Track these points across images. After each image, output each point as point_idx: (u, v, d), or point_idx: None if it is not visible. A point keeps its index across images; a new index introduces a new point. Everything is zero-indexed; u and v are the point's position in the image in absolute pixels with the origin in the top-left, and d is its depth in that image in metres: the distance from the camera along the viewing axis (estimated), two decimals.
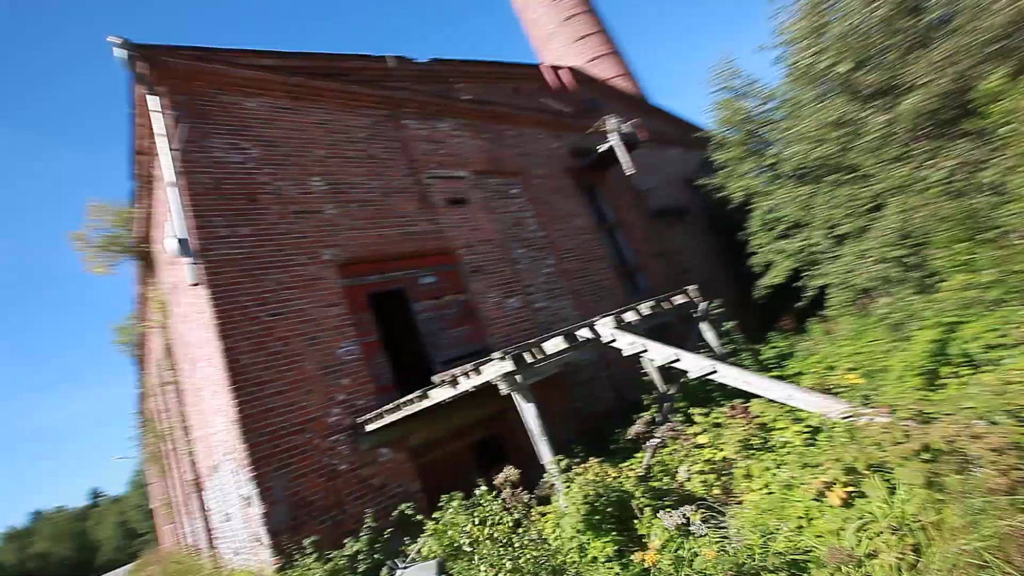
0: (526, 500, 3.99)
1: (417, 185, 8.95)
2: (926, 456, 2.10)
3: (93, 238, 10.60)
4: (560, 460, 4.27)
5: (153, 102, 6.73)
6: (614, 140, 11.76)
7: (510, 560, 3.37)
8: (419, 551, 5.57)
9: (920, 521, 1.95)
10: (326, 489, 5.90)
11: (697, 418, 4.50)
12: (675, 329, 7.89)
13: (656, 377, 6.15)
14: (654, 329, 6.09)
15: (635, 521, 3.58)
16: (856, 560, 1.93)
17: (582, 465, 4.09)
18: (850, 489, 2.41)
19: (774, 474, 3.43)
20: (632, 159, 12.11)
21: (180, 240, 6.20)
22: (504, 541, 3.61)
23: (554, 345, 4.98)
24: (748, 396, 4.88)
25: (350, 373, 6.67)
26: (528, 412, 4.48)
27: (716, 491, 4.00)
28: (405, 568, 5.26)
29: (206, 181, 6.71)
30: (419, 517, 5.88)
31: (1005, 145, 4.52)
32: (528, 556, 3.35)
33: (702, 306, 7.18)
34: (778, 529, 2.55)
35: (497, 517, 3.93)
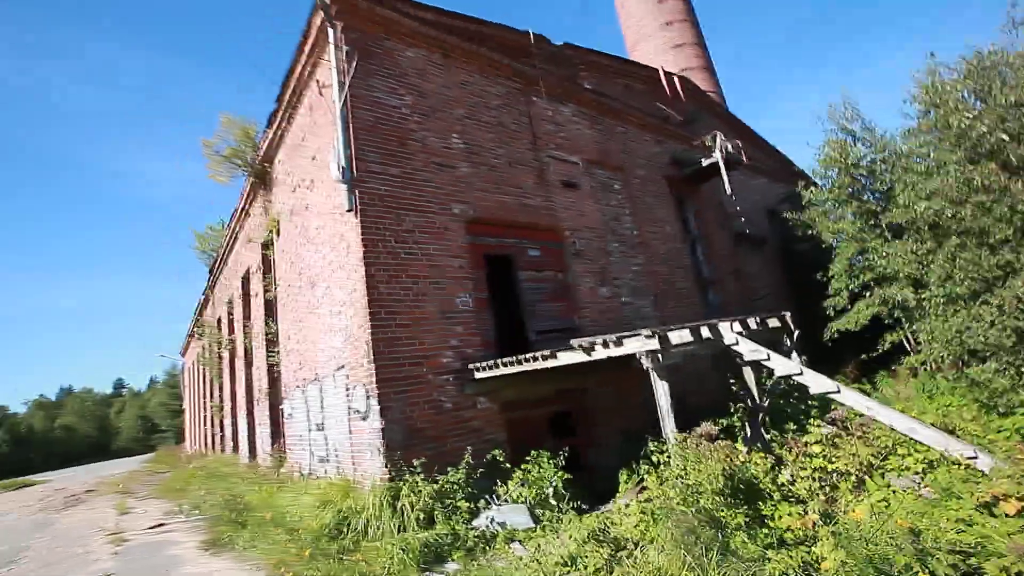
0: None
1: (537, 161, 9.37)
2: None
3: (220, 148, 11.35)
4: (685, 437, 4.69)
5: (330, 36, 7.25)
6: (718, 157, 11.94)
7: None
8: (509, 495, 6.11)
9: None
10: (433, 421, 6.46)
11: (812, 429, 4.86)
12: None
13: (753, 387, 6.49)
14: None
15: (760, 503, 3.99)
16: None
17: (707, 445, 4.50)
18: (1020, 504, 2.78)
19: (895, 491, 3.78)
20: (729, 179, 12.29)
21: (342, 168, 6.75)
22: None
23: (679, 337, 5.36)
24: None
25: (463, 322, 7.20)
26: (660, 389, 4.90)
27: (820, 498, 4.37)
28: (500, 507, 5.81)
29: (367, 118, 7.25)
30: (507, 464, 6.43)
31: None
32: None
33: (796, 334, 7.47)
34: (929, 529, 2.93)
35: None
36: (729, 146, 12.07)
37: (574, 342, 5.62)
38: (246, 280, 14.30)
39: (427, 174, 7.61)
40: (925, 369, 9.47)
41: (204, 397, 24.04)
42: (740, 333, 5.91)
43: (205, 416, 23.50)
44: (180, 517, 9.94)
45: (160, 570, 6.12)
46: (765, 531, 3.66)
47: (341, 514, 5.53)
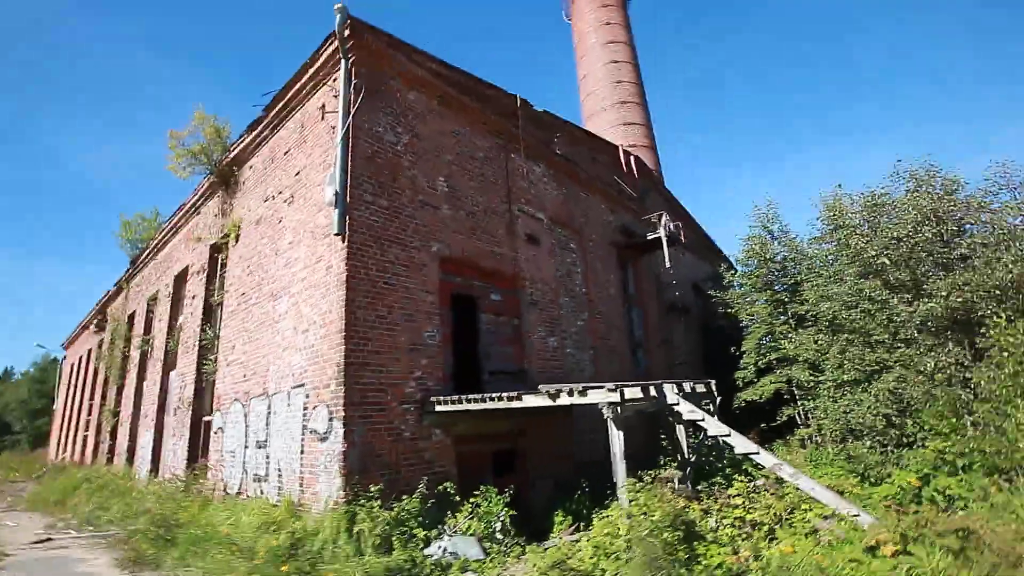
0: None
1: (508, 213, 10.11)
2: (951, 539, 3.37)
3: (188, 142, 11.04)
4: (633, 483, 5.32)
5: (341, 66, 7.67)
6: (662, 234, 13.39)
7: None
8: (459, 526, 6.40)
9: (946, 571, 3.20)
10: (391, 448, 6.65)
11: (736, 485, 5.69)
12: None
13: (683, 444, 7.34)
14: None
15: (695, 542, 4.66)
16: None
17: (659, 489, 5.16)
18: (896, 547, 3.63)
19: (805, 535, 4.62)
20: (667, 255, 13.76)
21: (336, 192, 7.04)
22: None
23: (632, 393, 6.10)
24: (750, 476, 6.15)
25: (429, 356, 7.53)
26: (616, 437, 5.54)
27: (747, 541, 5.14)
28: (451, 537, 6.10)
29: (366, 150, 7.63)
30: (457, 497, 6.75)
31: (991, 361, 6.19)
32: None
33: (718, 401, 8.54)
34: (831, 566, 3.72)
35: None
36: (671, 226, 13.58)
37: (541, 388, 6.19)
38: (181, 279, 13.56)
39: (412, 210, 8.05)
40: (812, 442, 10.98)
41: (89, 399, 21.58)
42: (679, 395, 6.78)
43: (87, 421, 21.04)
44: (70, 532, 9.02)
45: None
46: (700, 567, 4.33)
47: (294, 535, 5.52)
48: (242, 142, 10.53)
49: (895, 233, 7.73)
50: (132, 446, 14.64)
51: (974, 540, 3.39)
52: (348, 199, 7.13)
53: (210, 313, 11.40)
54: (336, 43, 7.71)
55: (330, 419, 6.42)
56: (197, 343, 11.19)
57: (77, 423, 23.38)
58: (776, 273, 13.11)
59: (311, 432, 6.71)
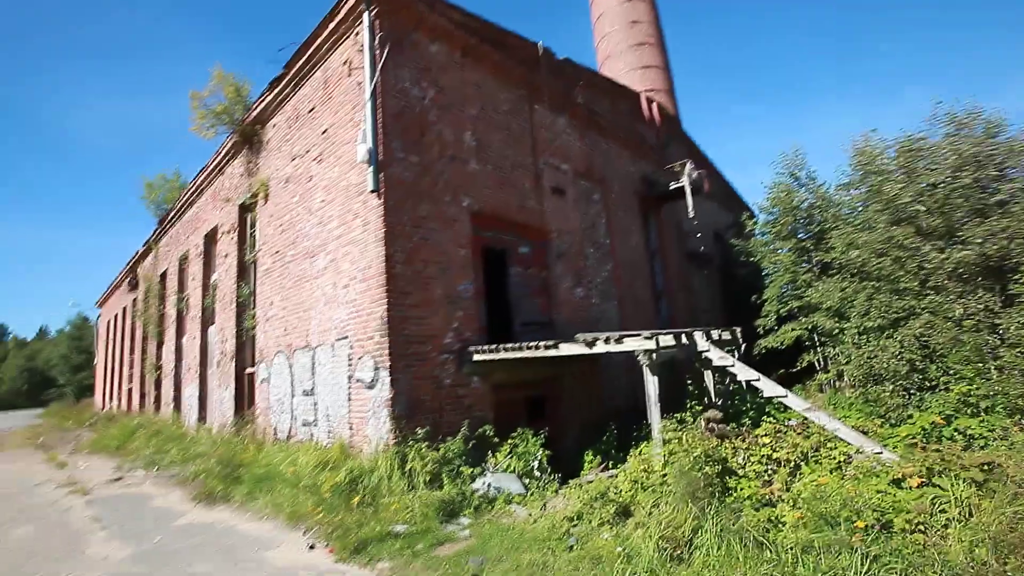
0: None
1: (534, 166, 10.09)
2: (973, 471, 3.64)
3: (210, 103, 11.05)
4: (666, 426, 5.66)
5: (364, 20, 7.55)
6: (685, 183, 13.25)
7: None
8: (499, 465, 6.87)
9: (969, 499, 3.48)
10: (433, 395, 7.06)
11: (764, 425, 6.00)
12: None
13: (711, 388, 7.64)
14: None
15: (727, 477, 5.02)
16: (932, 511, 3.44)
17: (686, 432, 5.50)
18: (921, 479, 3.92)
19: (831, 471, 4.95)
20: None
21: (370, 150, 7.12)
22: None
23: (665, 341, 6.33)
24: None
25: (464, 307, 7.81)
26: (651, 382, 5.84)
27: (767, 477, 5.50)
28: (494, 474, 6.56)
29: (394, 106, 7.63)
30: (496, 439, 7.19)
31: (1022, 307, 6.28)
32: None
33: (743, 347, 8.77)
34: (858, 497, 4.03)
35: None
36: (695, 175, 13.41)
37: (579, 336, 6.45)
38: (211, 239, 13.90)
39: (441, 166, 8.12)
40: (831, 387, 11.25)
41: (130, 353, 22.62)
42: (708, 342, 7.01)
43: (131, 374, 22.16)
44: (137, 472, 9.79)
45: (155, 519, 6.30)
46: (732, 497, 4.69)
47: (352, 473, 6.01)
48: (263, 100, 10.51)
49: (932, 179, 7.62)
50: (177, 396, 15.50)
51: (997, 473, 3.64)
52: (381, 156, 7.21)
53: (244, 271, 11.76)
54: None
55: (376, 368, 6.80)
56: (235, 299, 11.61)
57: (120, 376, 24.61)
58: (801, 220, 12.99)
59: (357, 381, 7.13)
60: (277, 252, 9.88)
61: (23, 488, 8.67)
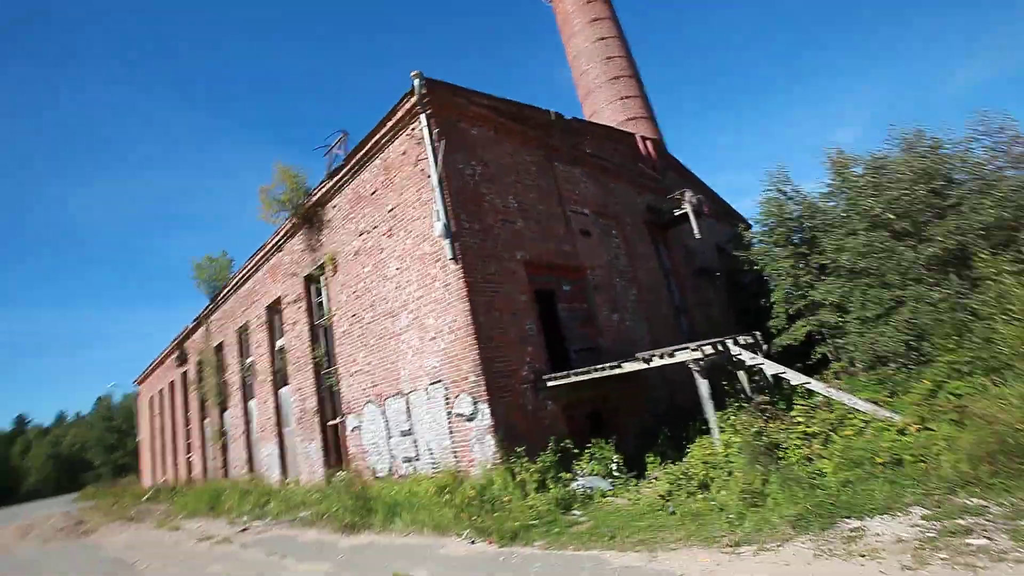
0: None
1: (563, 215, 11.83)
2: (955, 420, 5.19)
3: (275, 193, 12.82)
4: (721, 415, 7.18)
5: (422, 120, 9.35)
6: (688, 208, 15.03)
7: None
8: (584, 470, 8.33)
9: (950, 434, 5.01)
10: (521, 419, 8.56)
11: (797, 408, 7.52)
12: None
13: (746, 385, 9.16)
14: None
15: (776, 449, 6.52)
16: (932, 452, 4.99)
17: (738, 419, 7.01)
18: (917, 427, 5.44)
19: (858, 434, 6.45)
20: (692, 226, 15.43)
21: (445, 225, 8.81)
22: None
23: (707, 350, 7.89)
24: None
25: (532, 343, 9.39)
26: (702, 385, 7.38)
27: (805, 447, 7.00)
28: (583, 477, 8.02)
29: (455, 185, 9.36)
30: (575, 450, 8.66)
31: (983, 290, 7.92)
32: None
33: (764, 348, 10.35)
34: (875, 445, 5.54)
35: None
36: (695, 200, 15.21)
37: (638, 355, 8.01)
38: (272, 309, 15.48)
39: (497, 228, 9.82)
40: (846, 373, 12.76)
41: (184, 424, 23.87)
42: (739, 347, 8.58)
43: (188, 444, 23.38)
44: (254, 524, 11.11)
45: (318, 548, 7.69)
46: (784, 462, 6.20)
47: (476, 488, 7.47)
48: (323, 186, 12.28)
49: (895, 192, 9.37)
50: (250, 457, 16.81)
51: (968, 413, 5.21)
52: (454, 229, 8.90)
53: (316, 335, 13.32)
54: (413, 99, 9.40)
55: (474, 403, 8.32)
56: (310, 360, 13.14)
57: (172, 447, 25.74)
58: (794, 229, 14.74)
59: (458, 415, 8.63)
60: (354, 315, 11.46)
61: (170, 545, 10.00)
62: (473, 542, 6.25)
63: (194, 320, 21.30)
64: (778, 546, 4.30)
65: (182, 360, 23.40)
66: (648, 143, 17.21)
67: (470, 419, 8.42)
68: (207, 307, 20.04)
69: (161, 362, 27.14)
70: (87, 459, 48.26)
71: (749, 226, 19.18)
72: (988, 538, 3.58)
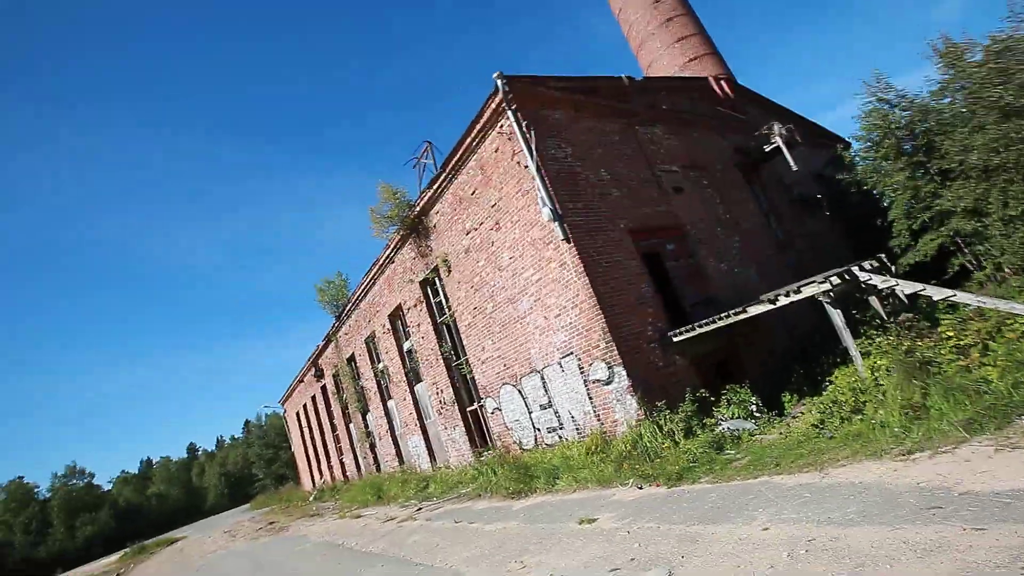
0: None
1: (653, 177, 11.99)
2: None
3: (382, 210, 14.19)
4: (862, 343, 7.21)
5: (509, 115, 9.95)
6: (780, 142, 14.44)
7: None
8: (725, 415, 8.67)
9: None
10: (654, 376, 9.05)
11: (944, 322, 7.33)
12: None
13: (880, 310, 8.95)
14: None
15: (930, 365, 6.49)
16: None
17: (884, 341, 7.01)
18: None
19: (1021, 337, 6.23)
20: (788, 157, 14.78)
21: (552, 209, 9.41)
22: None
23: (834, 280, 7.84)
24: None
25: (650, 305, 9.81)
26: (835, 315, 7.43)
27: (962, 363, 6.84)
28: (726, 421, 8.36)
29: (552, 170, 9.90)
30: (712, 398, 8.99)
31: None
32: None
33: (895, 267, 9.93)
34: None
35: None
36: (784, 131, 14.56)
37: (763, 296, 8.18)
38: (394, 316, 17.10)
39: (596, 203, 10.26)
40: (992, 281, 11.79)
41: (332, 432, 26.95)
42: (868, 272, 8.41)
43: (338, 447, 26.41)
44: (425, 504, 12.64)
45: (497, 512, 8.78)
46: (939, 374, 6.18)
47: (629, 443, 8.12)
48: (424, 196, 13.37)
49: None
50: (398, 451, 18.80)
51: None
52: (560, 211, 9.49)
53: (440, 332, 14.62)
54: (498, 98, 10.03)
55: (609, 367, 8.94)
56: (439, 356, 14.47)
57: (325, 453, 29.14)
58: (904, 138, 13.65)
59: (595, 381, 9.30)
60: (475, 308, 12.49)
61: (360, 528, 11.76)
62: (641, 487, 6.92)
63: (324, 338, 23.86)
64: (954, 448, 4.50)
65: (319, 375, 26.31)
66: (722, 83, 16.61)
67: (607, 383, 9.06)
68: (333, 325, 22.37)
69: (301, 380, 30.62)
70: (252, 473, 55.70)
71: (848, 145, 17.94)
72: None
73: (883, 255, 10.21)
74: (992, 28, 9.95)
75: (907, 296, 8.10)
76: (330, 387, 25.26)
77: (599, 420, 9.40)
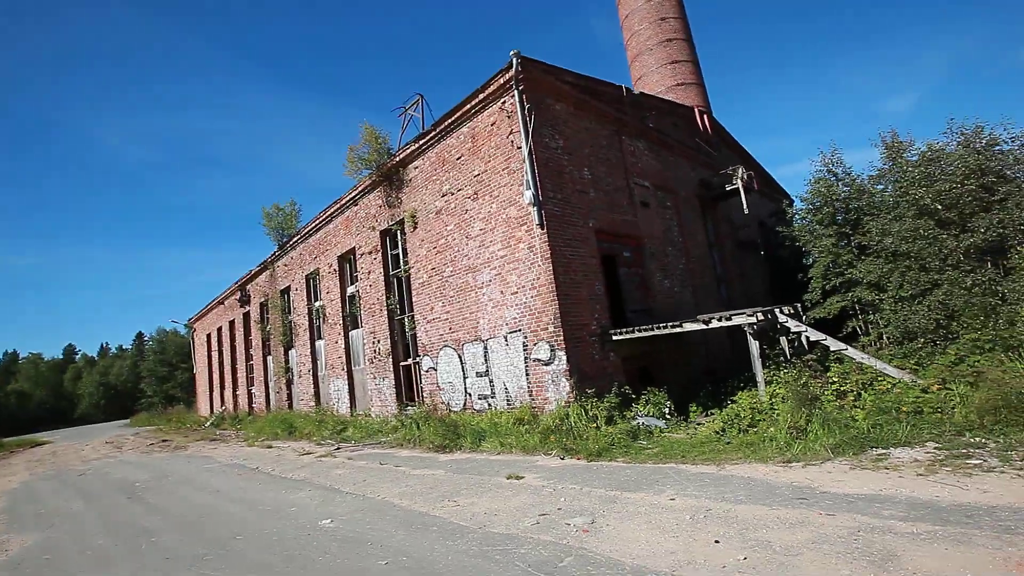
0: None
1: (627, 186, 12.87)
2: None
3: (360, 152, 14.06)
4: (767, 372, 8.48)
5: (515, 95, 10.37)
6: (739, 184, 15.86)
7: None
8: (641, 412, 9.77)
9: (965, 392, 6.25)
10: (590, 366, 9.97)
11: (833, 368, 8.77)
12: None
13: (787, 349, 10.40)
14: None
15: (816, 400, 7.82)
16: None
17: (786, 374, 8.29)
18: (938, 386, 6.67)
19: (886, 392, 7.70)
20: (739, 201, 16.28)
21: (534, 194, 9.98)
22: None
23: (757, 317, 9.08)
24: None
25: (599, 302, 10.70)
26: (753, 345, 8.65)
27: (852, 392, 8.28)
28: (642, 417, 9.45)
29: (542, 157, 10.45)
30: (633, 395, 10.07)
31: (1016, 279, 8.87)
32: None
33: (804, 317, 11.49)
34: (902, 399, 6.79)
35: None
36: (746, 176, 16.00)
37: (699, 317, 9.27)
38: (344, 258, 17.00)
39: (575, 198, 10.96)
40: (873, 346, 13.87)
41: (245, 360, 26.12)
42: (791, 314, 9.76)
43: (250, 378, 25.68)
44: (344, 446, 12.95)
45: (422, 461, 9.35)
46: (819, 410, 7.51)
47: (555, 419, 8.98)
48: (407, 148, 13.44)
49: (946, 185, 10.20)
50: (317, 392, 18.79)
51: (982, 376, 6.41)
52: (540, 198, 10.08)
53: (390, 283, 14.82)
54: (509, 74, 10.38)
55: (552, 350, 9.74)
56: (384, 307, 14.69)
57: (234, 382, 28.19)
58: (840, 209, 15.52)
59: (535, 360, 10.08)
60: (433, 268, 12.85)
61: (275, 458, 11.91)
62: (563, 458, 7.78)
63: (259, 264, 23.05)
64: (821, 463, 5.67)
65: (245, 301, 25.38)
66: (705, 118, 17.82)
67: (547, 364, 9.86)
68: (273, 253, 21.69)
69: (220, 302, 29.28)
70: (139, 388, 52.22)
71: (792, 202, 19.90)
72: (983, 460, 4.87)
73: (798, 304, 11.75)
74: (938, 130, 11.69)
75: (810, 342, 9.53)
76: (254, 315, 24.49)
77: (531, 396, 10.21)
